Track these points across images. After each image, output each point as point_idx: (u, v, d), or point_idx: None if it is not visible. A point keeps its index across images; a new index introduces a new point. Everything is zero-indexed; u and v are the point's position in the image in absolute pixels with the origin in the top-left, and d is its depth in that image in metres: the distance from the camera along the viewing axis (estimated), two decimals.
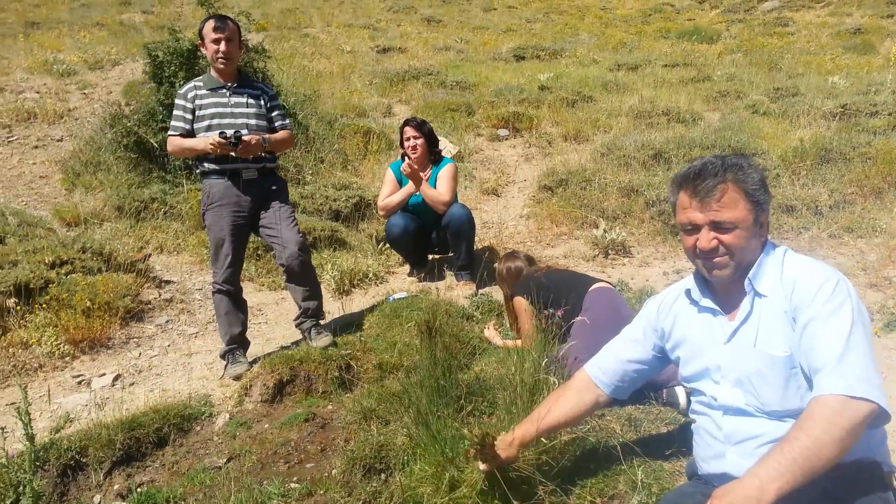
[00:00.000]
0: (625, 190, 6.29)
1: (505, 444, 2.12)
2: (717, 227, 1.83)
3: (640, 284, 4.78)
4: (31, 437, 1.68)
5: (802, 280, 1.79)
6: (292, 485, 2.51)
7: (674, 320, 2.05)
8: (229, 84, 3.73)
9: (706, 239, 1.85)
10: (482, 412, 2.66)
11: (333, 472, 2.59)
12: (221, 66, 3.68)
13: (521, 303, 3.53)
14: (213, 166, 3.69)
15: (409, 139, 4.95)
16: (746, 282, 1.86)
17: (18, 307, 4.23)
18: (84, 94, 9.58)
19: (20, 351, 4.09)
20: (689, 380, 2.02)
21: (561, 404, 2.19)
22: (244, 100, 3.73)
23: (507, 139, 8.69)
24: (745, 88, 10.03)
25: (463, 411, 2.57)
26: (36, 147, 7.45)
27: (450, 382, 2.47)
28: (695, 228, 1.86)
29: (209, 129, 3.65)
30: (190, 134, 3.69)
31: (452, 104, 9.35)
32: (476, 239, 5.15)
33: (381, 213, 5.08)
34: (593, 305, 3.27)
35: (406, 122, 5.05)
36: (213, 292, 3.80)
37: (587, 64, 13.15)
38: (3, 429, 3.36)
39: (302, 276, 3.77)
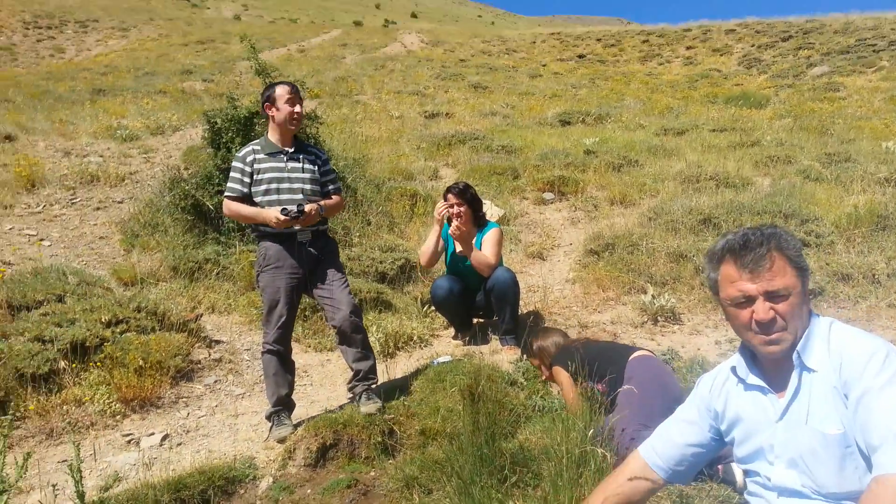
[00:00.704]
0: (673, 255, 6.22)
1: None
2: (770, 296, 1.79)
3: (691, 353, 4.67)
4: (81, 496, 1.70)
5: (851, 353, 1.73)
6: None
7: (725, 400, 2.00)
8: (286, 149, 3.86)
9: (763, 310, 1.80)
10: (527, 483, 2.61)
11: None
12: (293, 127, 3.84)
13: (561, 373, 3.50)
14: (268, 229, 3.79)
15: (452, 206, 4.99)
16: (795, 355, 1.81)
17: (74, 365, 4.36)
18: (145, 158, 10.04)
19: (74, 408, 4.19)
20: (743, 461, 1.95)
21: (614, 492, 2.11)
22: (300, 165, 3.86)
23: (552, 203, 8.73)
24: (795, 154, 9.93)
25: (507, 482, 2.52)
26: (97, 209, 7.79)
27: (493, 451, 2.43)
28: (748, 301, 1.82)
29: (267, 192, 3.78)
30: (247, 197, 3.81)
31: (498, 168, 9.48)
32: (521, 303, 5.14)
33: (422, 259, 5.10)
34: (636, 374, 3.23)
35: (449, 189, 5.09)
36: (263, 352, 3.86)
37: (633, 128, 13.23)
38: (54, 486, 3.45)
39: (354, 338, 3.79)
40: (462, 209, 4.96)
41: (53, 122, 12.30)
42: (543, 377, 4.03)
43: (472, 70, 24.60)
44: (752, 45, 29.22)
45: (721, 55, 28.83)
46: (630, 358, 3.37)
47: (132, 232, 7.00)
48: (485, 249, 4.97)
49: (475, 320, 5.37)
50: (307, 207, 3.66)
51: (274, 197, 3.77)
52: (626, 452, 2.59)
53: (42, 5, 48.26)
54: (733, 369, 1.98)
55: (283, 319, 3.75)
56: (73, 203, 7.94)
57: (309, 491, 3.17)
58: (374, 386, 3.85)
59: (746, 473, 1.99)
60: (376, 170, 9.12)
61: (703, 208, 6.97)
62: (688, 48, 31.64)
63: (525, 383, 4.27)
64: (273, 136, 3.88)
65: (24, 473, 1.77)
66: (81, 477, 1.73)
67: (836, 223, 6.38)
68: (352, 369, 3.86)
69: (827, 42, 25.55)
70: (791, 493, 1.78)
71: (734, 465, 2.65)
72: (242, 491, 3.29)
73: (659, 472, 2.07)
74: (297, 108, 3.79)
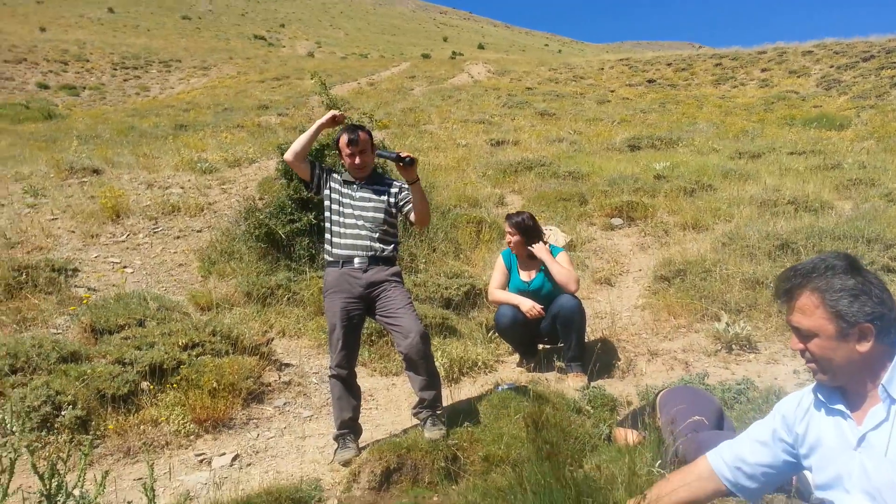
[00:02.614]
0: (749, 282, 6.01)
1: None
2: (797, 333, 1.76)
3: (768, 383, 4.47)
4: None
5: None
6: None
7: (807, 424, 1.92)
8: (359, 182, 4.01)
9: (794, 342, 1.80)
10: None
11: None
12: (358, 174, 3.98)
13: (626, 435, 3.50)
14: (329, 257, 3.94)
15: (510, 233, 5.07)
16: (880, 388, 1.72)
17: (152, 387, 4.52)
18: (222, 189, 10.43)
19: (150, 428, 4.34)
20: (820, 488, 1.86)
21: (682, 484, 2.07)
22: (368, 195, 3.97)
23: (621, 228, 8.59)
24: (878, 176, 9.48)
25: None
26: (177, 237, 8.12)
27: (558, 480, 2.38)
28: (791, 329, 1.81)
29: (329, 210, 3.98)
30: (317, 175, 4.04)
31: (565, 194, 9.41)
32: (588, 329, 5.06)
33: (491, 301, 5.14)
34: (667, 402, 3.19)
35: (507, 218, 5.16)
36: (329, 376, 3.93)
37: (706, 152, 12.93)
38: (130, 503, 3.57)
39: (421, 366, 3.79)
40: (514, 239, 4.99)
41: (138, 156, 12.94)
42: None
43: (538, 98, 24.65)
44: (831, 66, 28.24)
45: (798, 77, 27.97)
46: (658, 396, 3.33)
47: (209, 259, 7.26)
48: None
49: (540, 346, 5.31)
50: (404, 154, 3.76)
51: (337, 217, 3.94)
52: (688, 444, 2.53)
53: (129, 47, 51.26)
54: (815, 390, 1.91)
55: (340, 343, 3.80)
56: (154, 232, 8.31)
57: None
58: (439, 412, 3.84)
59: (821, 502, 1.89)
60: (443, 197, 9.20)
61: (781, 233, 6.72)
62: (763, 70, 30.84)
63: (591, 411, 4.19)
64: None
65: (103, 490, 1.84)
66: (154, 495, 1.78)
67: None
68: (418, 396, 3.87)
69: None
70: None
71: (807, 473, 2.53)
72: None
73: (726, 484, 2.03)
74: (357, 161, 3.90)
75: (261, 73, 40.28)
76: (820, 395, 1.89)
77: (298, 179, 5.97)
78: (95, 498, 1.74)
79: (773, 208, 8.04)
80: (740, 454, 2.04)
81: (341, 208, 3.94)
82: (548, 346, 5.34)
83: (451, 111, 20.63)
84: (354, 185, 3.98)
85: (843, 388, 1.83)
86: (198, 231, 8.37)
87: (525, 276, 5.09)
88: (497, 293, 5.04)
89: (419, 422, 3.85)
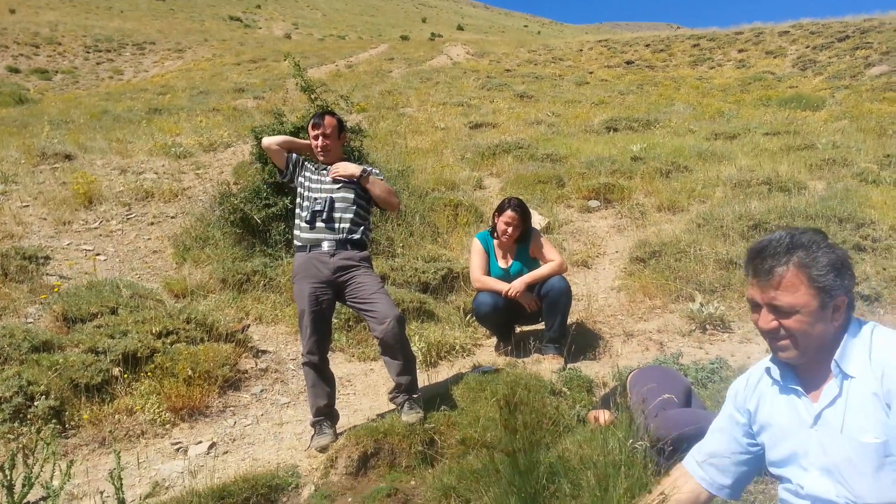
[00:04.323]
0: (723, 262, 6.07)
1: None
2: (774, 310, 1.75)
3: (741, 362, 4.53)
4: (122, 502, 1.74)
5: (894, 360, 1.65)
6: None
7: (758, 401, 1.94)
8: (327, 168, 4.02)
9: (765, 320, 1.77)
10: (566, 494, 2.56)
11: None
12: (322, 158, 4.01)
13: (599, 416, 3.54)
14: (298, 242, 3.97)
15: (507, 223, 4.96)
16: (833, 363, 1.74)
17: (126, 375, 4.48)
18: (197, 174, 10.30)
19: (125, 417, 4.30)
20: (775, 465, 1.88)
21: (662, 496, 2.06)
22: (340, 182, 3.96)
23: (598, 210, 8.62)
24: (852, 156, 9.59)
25: (545, 491, 2.48)
26: (152, 224, 8.02)
27: (530, 461, 2.40)
28: (756, 306, 1.79)
29: (300, 196, 4.01)
30: (292, 162, 4.11)
31: (542, 176, 9.41)
32: None
33: (476, 287, 5.11)
34: (637, 383, 3.24)
35: (510, 206, 4.99)
36: (302, 364, 3.93)
37: (682, 134, 12.99)
38: (102, 493, 3.55)
39: (397, 350, 3.80)
40: (513, 229, 4.93)
41: (111, 141, 12.72)
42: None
43: (517, 80, 24.57)
44: (807, 47, 28.41)
45: (774, 57, 28.12)
46: (628, 377, 3.38)
47: (184, 246, 7.18)
48: (547, 254, 5.01)
49: (518, 329, 5.34)
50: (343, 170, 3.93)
51: (307, 203, 3.97)
52: (657, 422, 2.57)
53: (102, 30, 50.26)
54: (767, 370, 1.92)
55: (308, 329, 3.81)
56: (128, 219, 8.20)
57: (350, 499, 3.19)
58: (416, 396, 3.85)
59: (778, 479, 1.92)
60: (420, 180, 9.17)
61: (754, 213, 6.79)
62: (739, 51, 30.94)
63: (568, 393, 4.22)
64: None
65: (68, 480, 1.82)
66: (122, 485, 1.77)
67: (893, 227, 6.13)
68: (394, 381, 3.87)
69: (886, 41, 24.61)
70: (825, 503, 1.71)
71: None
72: (285, 499, 3.33)
73: (703, 485, 2.02)
74: (320, 142, 3.97)
75: (237, 56, 39.67)
76: (773, 374, 1.90)
77: (273, 165, 5.94)
78: (61, 488, 1.72)
79: (748, 189, 8.11)
80: (708, 449, 2.04)
81: (311, 193, 3.94)
82: (526, 329, 5.37)
83: (430, 94, 20.50)
84: (325, 171, 3.97)
85: (797, 366, 1.85)
86: (172, 217, 8.27)
87: (503, 262, 5.08)
88: (483, 279, 5.01)
89: (396, 406, 3.86)
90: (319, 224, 3.89)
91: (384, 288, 3.92)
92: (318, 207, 3.88)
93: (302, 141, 4.17)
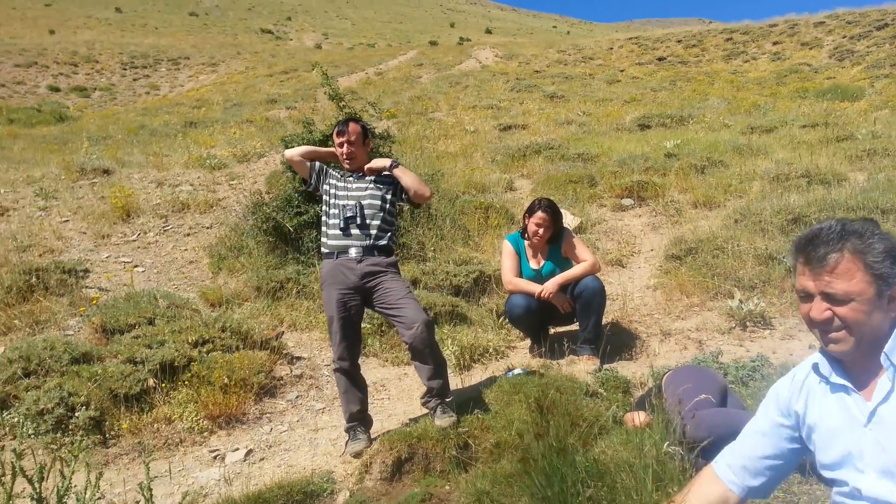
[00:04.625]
0: (762, 257, 5.92)
1: None
2: (829, 298, 1.67)
3: (783, 359, 4.40)
4: None
5: None
6: None
7: (806, 402, 1.84)
8: (356, 174, 4.03)
9: (818, 310, 1.69)
10: (601, 498, 2.51)
11: None
12: (347, 165, 4.01)
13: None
14: (325, 248, 3.97)
15: (538, 224, 4.89)
16: (882, 356, 1.66)
17: (164, 385, 4.54)
18: (231, 185, 10.45)
19: (164, 426, 4.36)
20: (828, 468, 1.80)
21: (692, 499, 2.00)
22: (364, 185, 3.97)
23: (631, 209, 8.50)
24: (893, 146, 9.29)
25: (580, 496, 2.43)
26: (188, 235, 8.15)
27: (565, 465, 2.35)
28: (808, 297, 1.71)
29: (326, 204, 4.00)
30: (315, 172, 4.10)
31: (574, 176, 9.33)
32: None
33: (508, 289, 5.06)
34: (671, 383, 3.15)
35: (540, 206, 4.92)
36: (333, 370, 3.93)
37: (717, 129, 12.76)
38: (139, 503, 3.58)
39: (427, 355, 3.77)
40: (544, 230, 4.88)
41: (148, 155, 12.99)
42: None
43: (547, 81, 24.45)
44: (844, 37, 27.74)
45: (810, 49, 27.51)
46: (664, 378, 3.29)
47: (219, 255, 7.28)
48: (580, 254, 4.93)
49: (552, 330, 5.28)
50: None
51: (334, 210, 3.96)
52: (691, 422, 2.50)
53: (138, 46, 51.45)
54: (815, 367, 1.83)
55: (338, 336, 3.81)
56: (165, 230, 8.35)
57: None
58: (448, 400, 3.82)
59: (831, 483, 1.83)
60: (450, 184, 9.16)
61: (793, 207, 6.60)
62: (774, 44, 30.36)
63: (605, 394, 4.15)
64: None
65: (97, 491, 1.83)
66: (151, 495, 1.77)
67: None
68: (425, 385, 3.85)
69: None
70: None
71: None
72: None
73: (733, 488, 1.94)
74: (345, 150, 3.96)
75: (269, 68, 40.28)
76: (822, 371, 1.82)
77: (299, 178, 5.99)
78: (90, 500, 1.72)
79: (786, 182, 7.91)
80: (742, 452, 1.96)
81: (336, 200, 3.95)
82: (560, 330, 5.30)
83: (459, 97, 20.52)
84: (351, 178, 3.99)
85: (845, 361, 1.77)
86: (207, 227, 8.40)
87: (534, 263, 5.03)
88: (515, 281, 4.96)
89: (429, 411, 3.83)
90: (354, 230, 3.89)
91: (412, 293, 3.91)
92: (349, 214, 3.88)
93: (324, 149, 4.18)
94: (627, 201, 8.66)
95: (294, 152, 4.10)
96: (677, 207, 8.12)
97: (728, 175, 8.88)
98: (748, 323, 5.09)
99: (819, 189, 7.44)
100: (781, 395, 1.92)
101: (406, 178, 3.98)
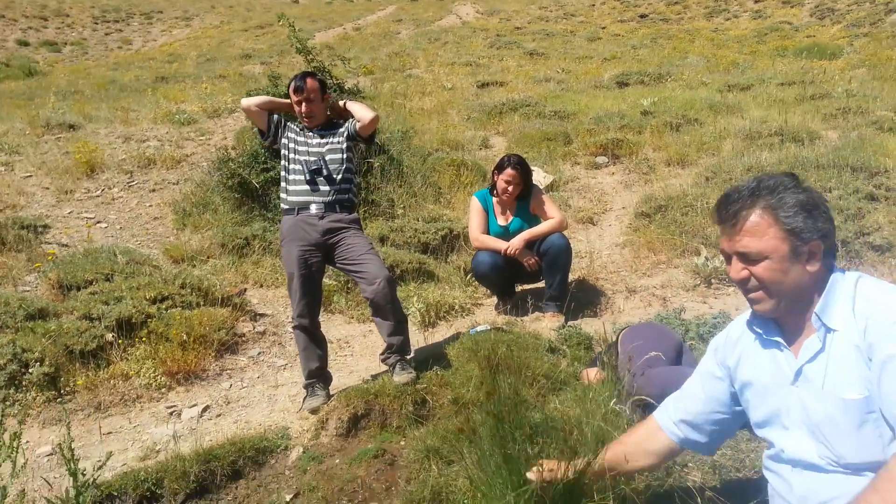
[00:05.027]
0: None
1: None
2: (743, 258, 1.63)
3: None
4: (74, 473, 1.68)
5: (878, 311, 1.52)
6: None
7: (739, 357, 1.82)
8: (313, 130, 3.90)
9: (735, 270, 1.66)
10: (550, 455, 2.48)
11: None
12: (306, 122, 3.87)
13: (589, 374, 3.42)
14: (285, 205, 3.87)
15: (508, 181, 4.80)
16: (813, 317, 1.62)
17: (121, 341, 4.46)
18: (200, 141, 10.21)
19: (121, 383, 4.29)
20: (759, 426, 1.78)
21: (635, 447, 2.00)
22: (324, 140, 3.86)
23: (605, 167, 8.43)
24: (868, 105, 9.27)
25: (526, 454, 2.40)
26: (153, 190, 7.97)
27: (514, 422, 2.31)
28: (728, 257, 1.68)
29: (286, 159, 3.88)
30: (273, 123, 3.92)
31: (549, 133, 9.21)
32: None
33: (475, 246, 5.00)
34: (626, 340, 3.13)
35: (510, 163, 4.83)
36: (292, 327, 3.86)
37: (695, 86, 12.64)
38: (99, 460, 3.53)
39: (388, 311, 3.72)
40: (513, 187, 4.80)
41: (116, 110, 12.64)
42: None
43: (527, 37, 24.05)
44: None
45: (792, 7, 27.25)
46: (619, 335, 3.27)
47: (184, 211, 7.13)
48: (549, 211, 4.86)
49: (519, 287, 5.24)
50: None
51: (295, 165, 3.84)
52: (641, 380, 2.50)
53: (109, 0, 49.87)
54: (749, 323, 1.80)
55: (297, 293, 3.73)
56: (129, 186, 8.16)
57: (338, 461, 3.14)
58: (408, 357, 3.78)
59: (767, 444, 1.81)
60: (423, 141, 9.00)
61: (764, 165, 6.57)
62: (756, 1, 30.03)
63: (567, 350, 4.13)
64: None
65: (13, 453, 1.75)
66: (73, 456, 1.70)
67: None
68: (385, 342, 3.81)
69: None
70: (806, 466, 1.60)
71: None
72: (273, 461, 3.29)
73: (674, 440, 1.93)
74: (304, 108, 3.80)
75: (244, 22, 39.21)
76: (756, 327, 1.78)
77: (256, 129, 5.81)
78: (2, 461, 1.64)
79: (759, 140, 7.87)
80: (684, 406, 1.95)
81: (297, 156, 3.83)
82: (526, 287, 5.27)
83: (438, 54, 20.13)
84: (311, 133, 3.87)
85: (779, 318, 1.73)
86: (174, 184, 8.22)
87: (502, 220, 4.96)
88: (481, 237, 4.90)
89: (388, 367, 3.79)
90: (322, 184, 3.78)
91: (374, 249, 3.83)
92: (314, 167, 3.77)
93: (283, 101, 4.02)
94: (601, 159, 8.58)
95: (251, 101, 3.93)
96: (650, 165, 8.06)
97: (702, 133, 8.81)
98: (713, 280, 5.09)
99: (791, 147, 7.41)
100: (718, 350, 1.90)
101: (355, 106, 3.88)
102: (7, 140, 9.92)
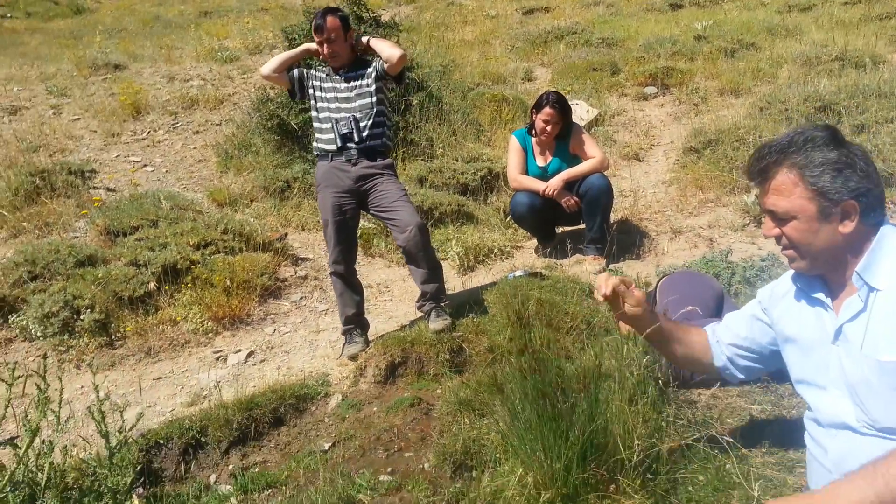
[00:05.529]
0: None
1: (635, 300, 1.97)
2: (773, 216, 1.55)
3: None
4: (105, 435, 1.73)
5: None
6: (383, 477, 2.49)
7: (781, 312, 1.76)
8: (341, 71, 3.78)
9: (766, 227, 1.64)
10: (582, 411, 2.46)
11: (425, 465, 2.52)
12: (332, 63, 3.76)
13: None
14: (321, 150, 3.81)
15: (546, 120, 4.66)
16: (854, 275, 1.54)
17: (167, 287, 4.57)
18: (243, 79, 10.17)
19: (169, 328, 4.42)
20: (800, 384, 1.73)
21: (684, 336, 2.08)
22: (353, 83, 3.76)
23: (654, 97, 8.10)
24: None
25: (556, 409, 2.38)
26: (197, 132, 8.02)
27: (543, 381, 2.28)
28: (764, 212, 1.62)
29: (315, 108, 3.82)
30: (296, 81, 3.85)
31: (595, 63, 8.86)
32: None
33: (513, 187, 4.92)
34: (665, 290, 3.03)
35: (548, 102, 4.66)
36: (329, 273, 3.89)
37: (753, 7, 11.93)
38: (150, 405, 3.68)
39: (421, 258, 3.70)
40: (552, 126, 4.65)
41: (160, 48, 12.66)
42: None
43: None
44: None
45: None
46: (658, 284, 3.16)
47: (226, 154, 7.17)
48: (588, 151, 4.72)
49: (560, 229, 5.15)
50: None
51: (325, 115, 3.78)
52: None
53: None
54: (794, 278, 1.73)
55: (333, 240, 3.73)
56: (174, 128, 8.22)
57: (375, 409, 3.19)
58: (443, 304, 3.77)
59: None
60: (464, 75, 8.78)
61: (823, 94, 6.21)
62: None
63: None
64: None
65: (58, 408, 1.80)
66: (104, 417, 1.75)
67: None
68: (419, 289, 3.80)
69: None
70: (840, 426, 1.56)
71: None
72: (313, 408, 3.36)
73: (715, 358, 1.99)
74: (325, 50, 3.68)
75: None
76: (799, 284, 1.72)
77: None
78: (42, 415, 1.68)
79: (818, 66, 7.41)
80: (730, 339, 1.98)
81: (326, 104, 3.76)
82: (567, 229, 5.18)
83: None
84: (338, 76, 3.77)
85: (824, 276, 1.65)
86: (217, 125, 8.24)
87: (541, 160, 4.84)
88: (519, 178, 4.81)
89: (423, 315, 3.80)
90: (351, 146, 3.72)
91: (407, 195, 3.78)
92: (345, 131, 3.69)
93: (296, 51, 3.86)
94: (650, 89, 8.25)
95: (267, 69, 3.83)
96: (702, 95, 7.72)
97: (758, 59, 8.35)
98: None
99: (852, 73, 6.97)
100: (762, 301, 1.88)
101: (380, 45, 3.72)
102: (55, 82, 10.07)
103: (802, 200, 1.54)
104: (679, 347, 2.05)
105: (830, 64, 7.34)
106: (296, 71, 3.86)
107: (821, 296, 1.66)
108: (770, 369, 2.04)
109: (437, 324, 3.63)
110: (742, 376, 2.02)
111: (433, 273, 3.74)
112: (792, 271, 1.80)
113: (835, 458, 1.56)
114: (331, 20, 3.63)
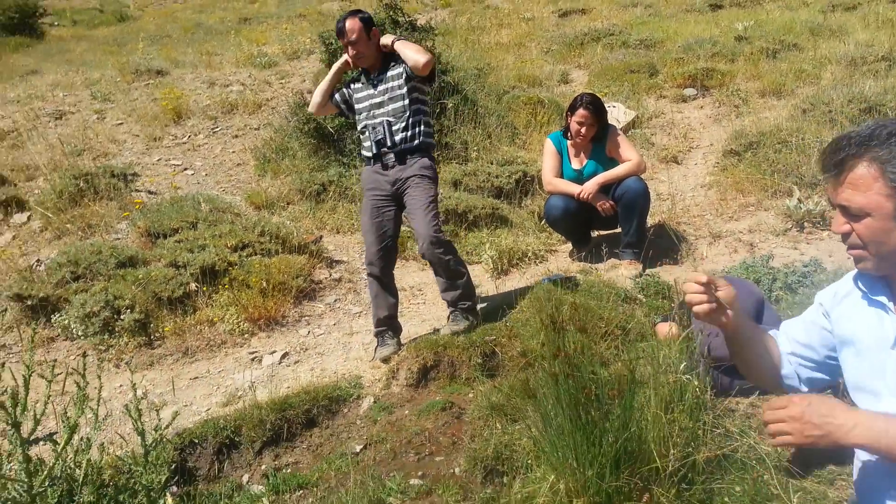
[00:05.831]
0: None
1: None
2: (845, 212, 1.48)
3: (840, 262, 4.12)
4: (141, 433, 1.76)
5: None
6: (413, 481, 2.48)
7: (841, 312, 1.69)
8: (373, 75, 3.82)
9: (836, 223, 1.53)
10: (615, 417, 2.42)
11: (456, 469, 2.51)
12: (358, 65, 3.83)
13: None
14: (364, 156, 3.93)
15: (580, 122, 4.61)
16: None
17: (205, 288, 4.64)
18: (281, 84, 10.30)
19: (206, 328, 4.49)
20: (854, 389, 1.66)
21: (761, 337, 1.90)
22: (385, 85, 3.79)
23: (693, 99, 7.97)
24: None
25: (588, 417, 2.35)
26: (236, 136, 8.14)
27: (576, 387, 2.25)
28: (833, 207, 1.53)
29: (358, 120, 3.92)
30: (341, 104, 3.96)
31: (633, 65, 8.76)
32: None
33: (547, 190, 4.89)
34: None
35: (582, 103, 4.61)
36: (366, 274, 3.92)
37: (795, 7, 11.67)
38: (186, 405, 3.73)
39: (439, 269, 3.76)
40: (587, 129, 4.61)
41: (201, 54, 12.91)
42: None
43: None
44: None
45: None
46: None
47: (264, 157, 7.27)
48: (624, 153, 4.67)
49: (595, 233, 5.09)
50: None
51: (363, 123, 3.86)
52: (716, 341, 2.39)
53: None
54: (856, 278, 1.66)
55: (369, 240, 3.78)
56: (214, 132, 8.36)
57: (407, 412, 3.19)
58: (463, 306, 3.80)
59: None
60: (499, 78, 8.76)
61: (868, 95, 6.03)
62: None
63: (644, 300, 4.01)
64: None
65: (97, 406, 1.83)
66: (140, 415, 1.77)
67: None
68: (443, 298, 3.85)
69: None
70: None
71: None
72: (346, 410, 3.38)
73: (783, 366, 1.85)
74: (350, 51, 3.73)
75: None
76: (861, 285, 1.65)
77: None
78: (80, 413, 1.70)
79: (863, 67, 7.21)
80: (788, 330, 1.87)
81: (364, 112, 3.84)
82: (603, 233, 5.12)
83: None
84: (370, 83, 3.82)
85: (888, 277, 1.59)
86: (255, 129, 8.36)
87: (576, 163, 4.79)
88: (554, 181, 4.77)
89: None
90: (386, 151, 3.76)
91: (433, 202, 3.74)
92: (379, 137, 3.75)
93: (330, 75, 3.92)
94: (690, 91, 8.11)
95: (314, 106, 4.01)
96: (743, 97, 7.56)
97: (801, 60, 8.16)
98: (806, 224, 4.78)
99: None
100: (823, 304, 1.78)
101: (405, 50, 3.69)
102: (100, 88, 10.34)
103: (880, 197, 1.46)
104: (758, 351, 1.88)
105: (876, 64, 7.14)
106: (337, 95, 3.94)
107: (883, 298, 1.59)
108: (835, 381, 1.92)
109: (452, 327, 3.72)
110: (805, 389, 1.87)
111: (451, 282, 3.78)
112: (853, 272, 1.74)
113: (886, 469, 1.50)
114: (350, 22, 3.65)
